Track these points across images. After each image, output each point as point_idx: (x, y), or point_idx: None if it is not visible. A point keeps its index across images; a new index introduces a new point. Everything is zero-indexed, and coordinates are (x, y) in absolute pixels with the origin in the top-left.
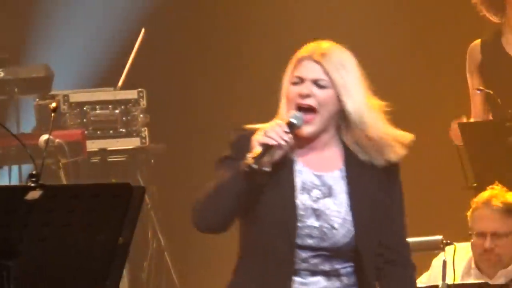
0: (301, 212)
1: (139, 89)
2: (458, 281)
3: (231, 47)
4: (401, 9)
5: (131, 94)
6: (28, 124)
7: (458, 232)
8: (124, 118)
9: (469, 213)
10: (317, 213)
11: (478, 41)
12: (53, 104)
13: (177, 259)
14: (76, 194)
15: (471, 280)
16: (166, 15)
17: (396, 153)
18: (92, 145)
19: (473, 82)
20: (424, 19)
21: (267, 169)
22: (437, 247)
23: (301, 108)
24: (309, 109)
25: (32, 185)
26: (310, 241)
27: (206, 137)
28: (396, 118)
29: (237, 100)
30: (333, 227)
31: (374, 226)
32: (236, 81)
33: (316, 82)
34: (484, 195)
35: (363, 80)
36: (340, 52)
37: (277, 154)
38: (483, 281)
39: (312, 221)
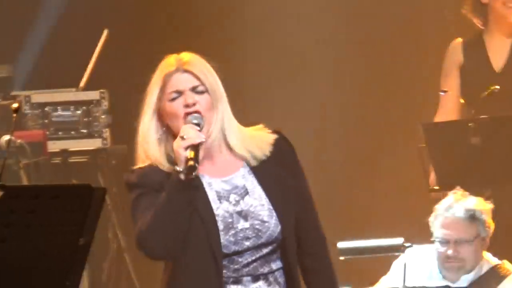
0: (229, 220)
1: (101, 90)
2: (418, 284)
3: (193, 48)
4: (371, 9)
5: (93, 95)
6: None
7: (420, 234)
8: (85, 119)
9: (431, 219)
10: (243, 214)
11: (459, 40)
12: (15, 105)
13: (137, 260)
14: (37, 194)
15: (433, 284)
16: (129, 16)
17: (263, 148)
18: (54, 146)
19: (449, 82)
20: (395, 19)
21: (196, 173)
22: (398, 250)
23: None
24: (196, 113)
25: None
26: (247, 243)
27: None
28: (360, 119)
29: None
30: (263, 221)
31: (289, 209)
32: None
33: (194, 90)
34: (446, 201)
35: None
36: (200, 59)
37: (200, 155)
38: (444, 284)
39: (242, 224)
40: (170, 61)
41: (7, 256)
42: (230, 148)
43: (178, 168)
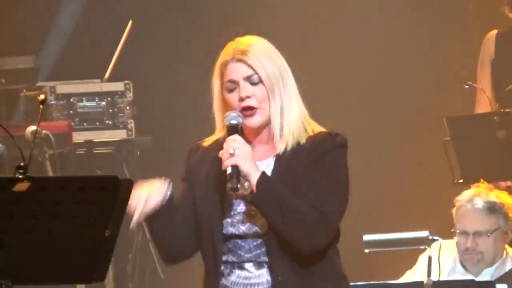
0: (233, 201)
1: (126, 81)
2: (443, 277)
3: (219, 39)
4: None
5: (118, 86)
6: (14, 114)
7: (444, 228)
8: (110, 110)
9: (453, 211)
10: (246, 200)
11: (493, 32)
12: (42, 96)
13: None
14: (63, 186)
15: (456, 277)
16: (153, 6)
17: (301, 137)
18: (78, 137)
19: (482, 75)
20: (421, 13)
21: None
22: (423, 243)
23: (244, 109)
24: (250, 108)
25: (20, 176)
26: (243, 228)
27: (192, 130)
28: (387, 114)
29: None
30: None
31: None
32: None
33: (249, 79)
34: (468, 193)
35: (287, 70)
36: (258, 44)
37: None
38: (468, 278)
39: (241, 208)
40: (227, 49)
41: (33, 247)
42: (276, 134)
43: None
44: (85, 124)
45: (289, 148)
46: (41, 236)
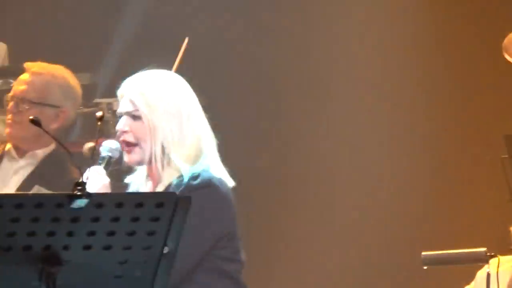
0: None
1: None
2: None
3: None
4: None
5: None
6: (71, 131)
7: (502, 244)
8: None
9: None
10: None
11: None
12: (100, 113)
13: None
14: (121, 203)
15: None
16: (208, 24)
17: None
18: None
19: None
20: (474, 25)
21: None
22: (481, 260)
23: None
24: (129, 144)
25: (78, 193)
26: None
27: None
28: (442, 130)
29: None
30: None
31: None
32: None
33: (130, 115)
34: None
35: (182, 110)
36: (150, 81)
37: None
38: None
39: None
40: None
41: (91, 264)
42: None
43: None
44: None
45: (160, 189)
46: (100, 252)
